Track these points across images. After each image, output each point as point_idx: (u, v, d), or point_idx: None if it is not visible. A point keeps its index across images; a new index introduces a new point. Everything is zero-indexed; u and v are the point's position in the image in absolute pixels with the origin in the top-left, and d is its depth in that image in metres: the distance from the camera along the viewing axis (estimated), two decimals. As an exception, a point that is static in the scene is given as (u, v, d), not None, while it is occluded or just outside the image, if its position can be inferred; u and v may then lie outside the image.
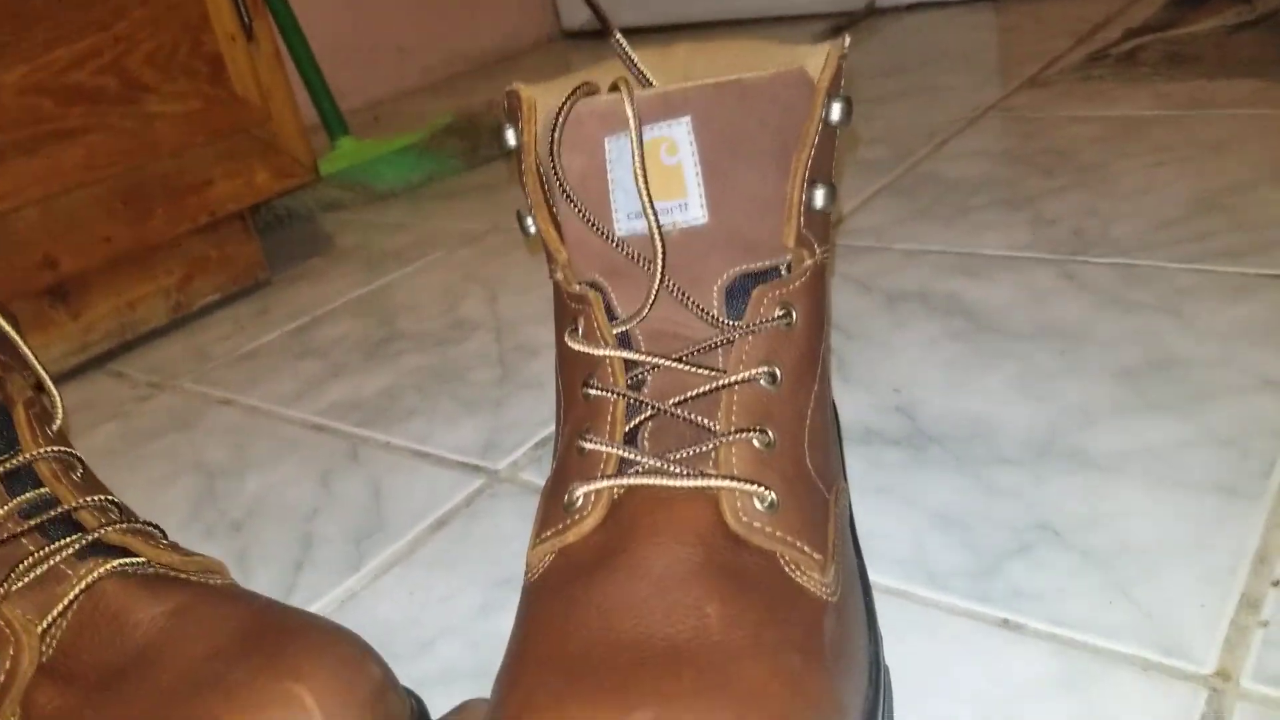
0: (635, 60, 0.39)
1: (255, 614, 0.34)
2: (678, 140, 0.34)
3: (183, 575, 0.37)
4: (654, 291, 0.34)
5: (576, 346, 0.35)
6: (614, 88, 0.35)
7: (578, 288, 0.36)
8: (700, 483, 0.32)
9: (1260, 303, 0.58)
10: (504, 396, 0.63)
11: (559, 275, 0.37)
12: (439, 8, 1.73)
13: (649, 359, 0.34)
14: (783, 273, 0.36)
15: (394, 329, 0.76)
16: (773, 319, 0.35)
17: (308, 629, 0.33)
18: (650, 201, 0.34)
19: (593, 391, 0.34)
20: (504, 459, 0.56)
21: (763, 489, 0.33)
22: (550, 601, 0.31)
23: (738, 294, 0.36)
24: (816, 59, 0.36)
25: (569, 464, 0.34)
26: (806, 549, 0.33)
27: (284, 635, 0.33)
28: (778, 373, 0.35)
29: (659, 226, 0.34)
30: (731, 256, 0.35)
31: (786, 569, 0.32)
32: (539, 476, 0.54)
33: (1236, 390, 0.50)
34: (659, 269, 0.34)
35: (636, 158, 0.34)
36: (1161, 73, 0.99)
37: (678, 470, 0.32)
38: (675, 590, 0.30)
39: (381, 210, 1.07)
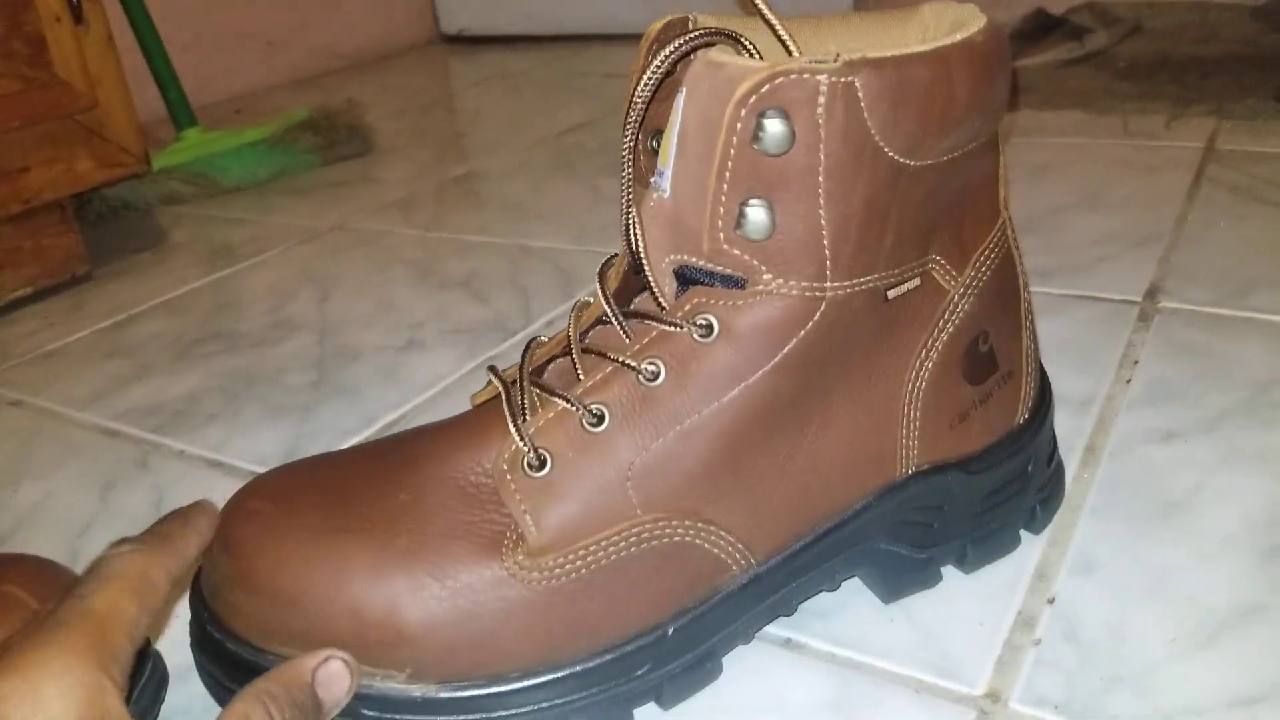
0: (774, 24, 0.34)
1: None
2: (676, 110, 0.33)
3: None
4: (623, 251, 0.36)
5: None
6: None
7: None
8: (508, 419, 0.34)
9: (1062, 321, 0.60)
10: (315, 402, 0.60)
11: None
12: (312, 3, 1.68)
13: (606, 308, 0.35)
14: (740, 286, 0.33)
15: (212, 328, 0.72)
16: (686, 324, 0.33)
17: None
18: (630, 158, 0.34)
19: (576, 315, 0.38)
20: (304, 468, 0.53)
21: (532, 454, 0.33)
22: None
23: (692, 283, 0.34)
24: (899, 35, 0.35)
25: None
26: (534, 528, 0.33)
27: None
28: (660, 373, 0.33)
29: (628, 186, 0.35)
30: (677, 242, 0.34)
31: (507, 531, 0.33)
32: (339, 486, 0.51)
33: (1037, 410, 0.51)
34: (625, 228, 0.35)
35: (635, 115, 0.34)
36: (1004, 101, 1.02)
37: (517, 401, 0.35)
38: (408, 467, 0.35)
39: (224, 204, 1.02)
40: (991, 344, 0.39)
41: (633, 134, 0.34)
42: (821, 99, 0.30)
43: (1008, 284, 0.39)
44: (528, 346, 0.38)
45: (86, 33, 0.81)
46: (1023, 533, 0.42)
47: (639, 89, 0.33)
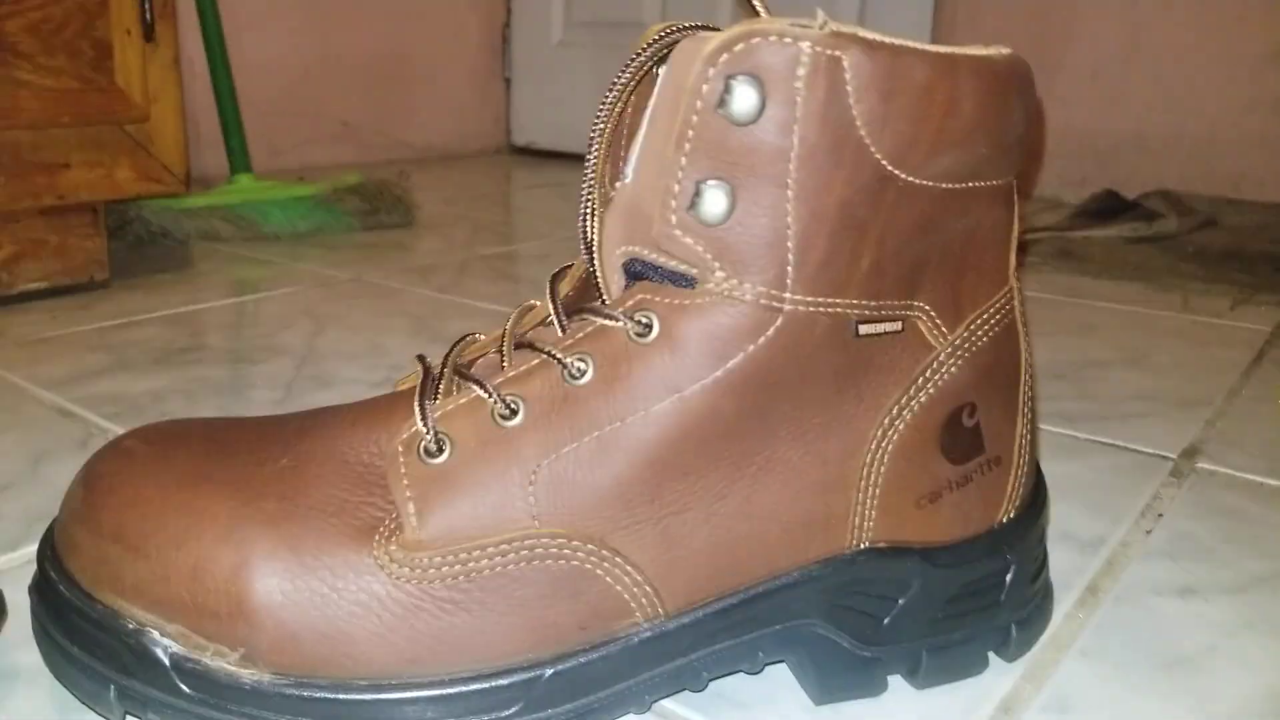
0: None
1: None
2: (655, 90, 0.30)
3: None
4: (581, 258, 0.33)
5: None
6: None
7: None
8: (416, 399, 0.31)
9: (1082, 464, 0.54)
10: (274, 419, 0.57)
11: None
12: (393, 96, 1.74)
13: (550, 305, 0.32)
14: (689, 285, 0.30)
15: (200, 342, 0.70)
16: (625, 320, 0.30)
17: None
18: (600, 149, 0.31)
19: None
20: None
21: (431, 438, 0.30)
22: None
23: (640, 278, 0.31)
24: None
25: None
26: (415, 517, 0.29)
27: None
28: (588, 371, 0.30)
29: (591, 176, 0.31)
30: (629, 231, 0.30)
31: (387, 519, 0.29)
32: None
33: (1036, 539, 0.45)
34: (581, 221, 0.32)
35: (610, 100, 0.31)
36: (1050, 264, 0.99)
37: (432, 385, 0.32)
38: (300, 434, 0.32)
39: (257, 247, 1.02)
40: (979, 421, 0.34)
41: (604, 121, 0.31)
42: (802, 70, 0.27)
43: (1007, 359, 0.35)
44: (461, 339, 0.34)
45: (154, 51, 0.82)
46: (993, 657, 0.36)
47: (619, 75, 0.31)
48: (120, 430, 0.54)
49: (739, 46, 0.27)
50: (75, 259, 0.83)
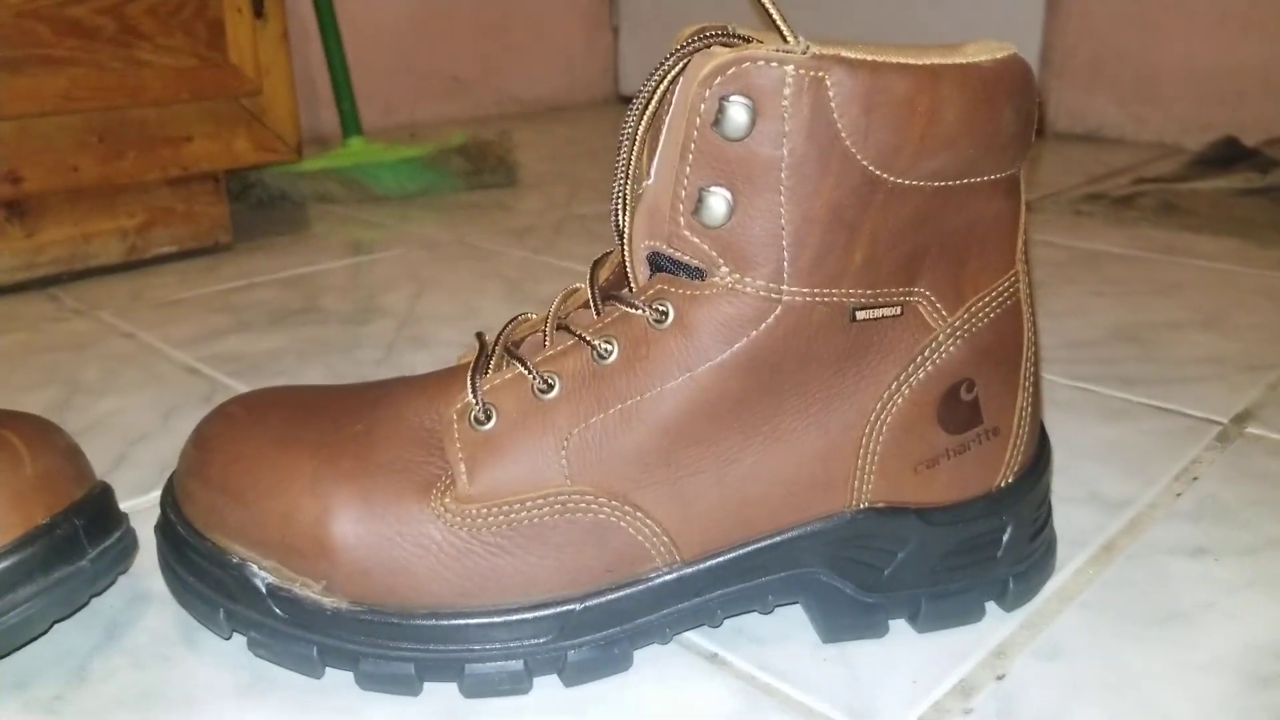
0: (773, 14, 0.33)
1: None
2: (674, 99, 0.33)
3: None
4: (617, 237, 0.36)
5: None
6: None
7: None
8: (469, 374, 0.36)
9: (1130, 428, 0.56)
10: (374, 375, 0.63)
11: None
12: (502, 49, 1.79)
13: (588, 290, 0.36)
14: (700, 278, 0.34)
15: (313, 303, 0.77)
16: (645, 308, 0.34)
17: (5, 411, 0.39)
18: (631, 149, 0.34)
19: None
20: (336, 426, 0.56)
21: (480, 408, 0.35)
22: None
23: (660, 271, 0.35)
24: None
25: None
26: (465, 476, 0.34)
27: None
28: (613, 352, 0.34)
29: (622, 174, 0.35)
30: (650, 227, 0.34)
31: (443, 475, 0.34)
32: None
33: (1061, 499, 0.48)
34: (613, 215, 0.36)
35: (639, 104, 0.34)
36: (1150, 219, 0.98)
37: (484, 361, 0.37)
38: (374, 403, 0.37)
39: (368, 209, 1.09)
40: (977, 395, 0.37)
41: (634, 123, 0.35)
42: (787, 90, 0.30)
43: (1008, 338, 0.38)
44: (513, 319, 0.39)
45: (263, 27, 0.89)
46: (993, 606, 0.40)
47: (648, 81, 0.35)
48: (241, 387, 0.62)
49: (731, 70, 0.30)
50: (200, 224, 0.92)
